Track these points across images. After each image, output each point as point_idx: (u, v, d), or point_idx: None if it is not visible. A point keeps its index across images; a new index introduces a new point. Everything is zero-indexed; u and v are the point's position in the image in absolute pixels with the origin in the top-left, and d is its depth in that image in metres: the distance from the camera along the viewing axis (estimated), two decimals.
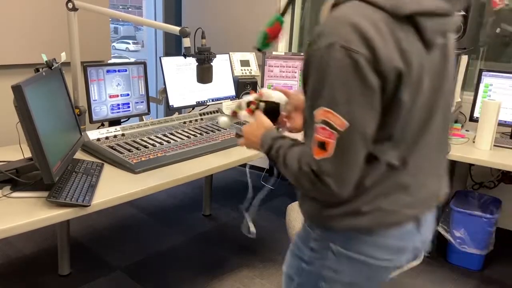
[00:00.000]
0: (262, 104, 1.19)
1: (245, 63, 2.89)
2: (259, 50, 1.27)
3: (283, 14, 1.28)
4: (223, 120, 1.28)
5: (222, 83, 2.73)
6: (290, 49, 3.68)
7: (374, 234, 1.00)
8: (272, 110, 1.15)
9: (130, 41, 14.06)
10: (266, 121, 1.17)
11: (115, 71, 2.17)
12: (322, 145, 0.89)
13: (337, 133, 0.87)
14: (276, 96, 1.18)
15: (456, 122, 2.69)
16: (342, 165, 0.90)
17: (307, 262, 1.07)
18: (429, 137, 0.99)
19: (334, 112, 0.86)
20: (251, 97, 1.23)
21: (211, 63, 1.88)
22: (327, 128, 0.88)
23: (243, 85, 2.84)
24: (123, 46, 13.72)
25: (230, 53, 2.84)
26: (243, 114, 1.23)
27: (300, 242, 1.10)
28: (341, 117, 0.86)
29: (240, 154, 2.03)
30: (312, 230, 1.06)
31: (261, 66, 2.73)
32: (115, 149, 1.85)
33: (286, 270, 1.15)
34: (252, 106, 1.19)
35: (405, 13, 0.87)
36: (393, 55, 0.86)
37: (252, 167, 3.90)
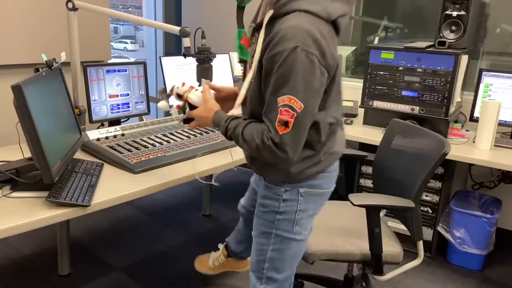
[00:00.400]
0: (186, 104, 1.43)
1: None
2: (242, 61, 1.46)
3: (242, 27, 1.56)
4: (162, 103, 1.48)
5: (222, 83, 2.72)
6: None
7: (327, 171, 1.38)
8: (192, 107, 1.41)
9: (128, 41, 14.05)
10: (212, 104, 1.39)
11: (115, 71, 2.17)
12: (286, 123, 1.17)
13: (295, 114, 1.16)
14: (197, 100, 1.41)
15: (456, 122, 2.69)
16: (298, 137, 1.20)
17: (281, 213, 1.38)
18: (340, 100, 1.38)
19: (295, 98, 1.15)
20: (181, 90, 1.44)
21: (211, 63, 1.88)
22: (290, 110, 1.16)
23: None
24: (121, 45, 13.71)
25: (230, 53, 2.84)
26: (174, 110, 1.46)
27: (270, 201, 1.40)
28: (300, 102, 1.15)
29: (240, 154, 2.02)
30: (281, 187, 1.37)
31: None
32: (115, 149, 1.85)
33: (260, 230, 1.43)
34: (180, 103, 1.44)
35: (334, 18, 1.21)
36: (334, 52, 1.20)
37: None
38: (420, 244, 1.73)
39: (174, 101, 1.50)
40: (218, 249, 2.26)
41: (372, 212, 1.60)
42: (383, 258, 1.69)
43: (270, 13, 1.23)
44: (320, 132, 1.29)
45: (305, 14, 1.16)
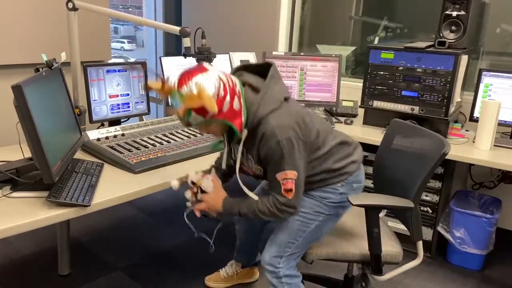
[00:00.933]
0: (199, 189, 1.67)
1: (245, 63, 2.89)
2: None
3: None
4: (174, 184, 1.66)
5: None
6: (290, 49, 3.68)
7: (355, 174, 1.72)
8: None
9: (125, 40, 14.06)
10: (221, 192, 1.69)
11: (115, 71, 2.17)
12: (290, 190, 1.52)
13: (293, 181, 1.51)
14: (208, 186, 1.66)
15: (456, 122, 2.69)
16: (299, 193, 1.56)
17: (337, 202, 1.70)
18: (327, 128, 1.71)
19: (289, 170, 1.50)
20: (195, 177, 1.66)
21: (211, 63, 1.88)
22: (289, 180, 1.51)
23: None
24: (118, 45, 13.73)
25: (230, 53, 2.84)
26: (188, 194, 1.69)
27: (327, 194, 1.70)
28: (293, 171, 1.50)
29: None
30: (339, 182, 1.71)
31: None
32: (115, 149, 1.85)
33: (307, 215, 1.69)
34: (194, 189, 1.67)
35: (285, 97, 1.55)
36: (312, 130, 1.59)
37: None
38: (420, 244, 1.73)
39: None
40: (218, 249, 2.26)
41: (371, 212, 1.60)
42: (383, 258, 1.69)
43: (245, 132, 1.51)
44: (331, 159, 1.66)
45: (285, 105, 1.53)
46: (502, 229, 2.79)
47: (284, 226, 1.70)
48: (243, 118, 1.47)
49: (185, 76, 1.41)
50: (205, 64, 1.48)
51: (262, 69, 1.59)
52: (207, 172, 1.73)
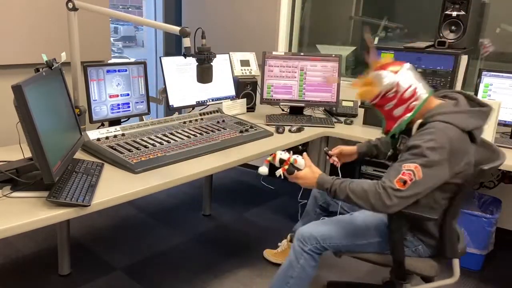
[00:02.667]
0: (291, 166, 1.67)
1: (245, 63, 2.89)
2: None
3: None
4: (263, 169, 1.69)
5: (222, 83, 2.73)
6: (290, 49, 3.68)
7: None
8: (293, 171, 1.66)
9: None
10: (316, 168, 1.68)
11: (115, 71, 2.17)
12: (404, 182, 1.46)
13: (413, 178, 1.46)
14: (301, 163, 1.67)
15: None
16: (408, 196, 1.48)
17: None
18: None
19: (419, 167, 1.46)
20: (285, 156, 1.67)
21: (211, 63, 1.88)
22: (410, 172, 1.46)
23: (243, 85, 2.84)
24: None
25: (230, 53, 2.84)
26: (279, 172, 1.67)
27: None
28: (421, 171, 1.45)
29: (240, 154, 2.03)
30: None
31: (261, 66, 2.73)
32: (115, 149, 1.85)
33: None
34: (285, 167, 1.66)
35: (469, 130, 1.55)
36: (464, 156, 1.55)
37: (252, 167, 3.90)
38: (456, 262, 1.69)
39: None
40: (218, 249, 2.26)
41: (393, 216, 1.58)
42: (412, 269, 1.66)
43: (419, 122, 1.56)
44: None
45: (446, 124, 1.50)
46: (502, 229, 2.79)
47: (343, 226, 1.75)
48: (395, 126, 1.61)
49: (385, 64, 1.62)
50: (403, 67, 1.61)
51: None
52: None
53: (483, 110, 1.59)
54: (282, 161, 1.67)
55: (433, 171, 1.47)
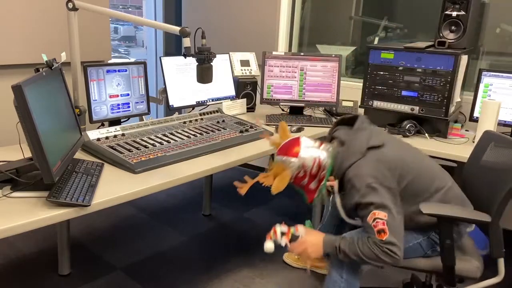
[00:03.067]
0: (293, 235, 1.72)
1: (245, 63, 2.89)
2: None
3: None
4: (269, 245, 1.70)
5: (222, 83, 2.73)
6: (290, 49, 3.68)
7: None
8: (297, 238, 1.71)
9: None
10: (317, 232, 1.73)
11: (115, 71, 2.17)
12: (382, 231, 1.53)
13: (384, 221, 1.53)
14: (302, 230, 1.72)
15: (456, 122, 2.69)
16: (397, 234, 1.53)
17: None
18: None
19: (377, 210, 1.54)
20: (284, 228, 1.72)
21: (211, 63, 1.88)
22: (379, 220, 1.53)
23: (243, 85, 2.84)
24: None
25: (230, 53, 2.84)
26: (284, 241, 1.70)
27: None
28: (382, 212, 1.54)
29: (240, 154, 2.03)
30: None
31: (261, 66, 2.73)
32: (115, 149, 1.85)
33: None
34: (289, 236, 1.72)
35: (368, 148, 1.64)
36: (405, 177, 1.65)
37: (252, 167, 3.90)
38: (501, 261, 1.66)
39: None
40: (218, 249, 2.26)
41: (443, 222, 1.58)
42: (459, 272, 1.65)
43: (336, 182, 1.71)
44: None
45: (351, 167, 1.62)
46: (502, 229, 2.79)
47: None
48: (316, 196, 1.72)
49: (284, 150, 1.70)
50: (301, 146, 1.70)
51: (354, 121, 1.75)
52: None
53: (359, 129, 1.71)
54: (283, 233, 1.72)
55: (388, 200, 1.56)
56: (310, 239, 1.68)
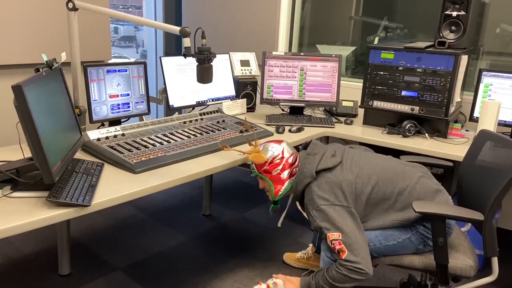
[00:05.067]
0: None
1: (245, 63, 2.89)
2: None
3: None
4: None
5: (222, 83, 2.73)
6: (290, 49, 3.68)
7: None
8: None
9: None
10: (292, 278, 1.88)
11: (115, 71, 2.17)
12: (340, 251, 1.63)
13: (339, 241, 1.64)
14: (281, 283, 1.89)
15: (456, 122, 2.69)
16: (356, 250, 1.62)
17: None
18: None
19: (331, 233, 1.67)
20: (263, 286, 1.93)
21: (211, 63, 1.88)
22: (334, 241, 1.65)
23: (243, 85, 2.84)
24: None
25: (230, 53, 2.84)
26: None
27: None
28: (335, 233, 1.66)
29: (240, 154, 2.03)
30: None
31: (261, 66, 2.74)
32: (115, 149, 1.85)
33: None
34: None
35: (318, 171, 1.78)
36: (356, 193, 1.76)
37: None
38: (495, 260, 1.67)
39: None
40: (218, 249, 2.27)
41: (435, 220, 1.58)
42: (453, 270, 1.66)
43: (290, 197, 2.04)
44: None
45: (306, 189, 1.78)
46: (502, 229, 2.80)
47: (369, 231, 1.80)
48: (283, 188, 1.86)
49: (266, 142, 1.93)
50: (283, 142, 1.91)
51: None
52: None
53: (310, 154, 1.83)
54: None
55: (340, 220, 1.66)
56: (290, 285, 1.84)
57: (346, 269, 1.63)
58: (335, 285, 1.66)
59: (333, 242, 1.66)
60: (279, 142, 1.91)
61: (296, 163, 1.87)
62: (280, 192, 1.87)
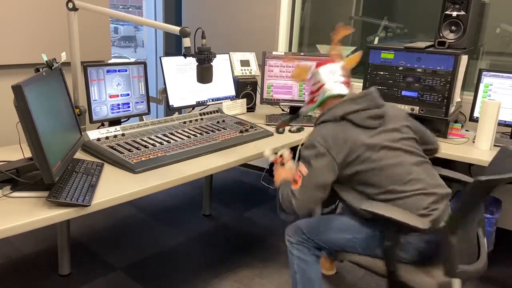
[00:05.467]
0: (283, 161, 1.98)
1: (245, 63, 2.89)
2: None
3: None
4: (267, 154, 2.01)
5: (222, 83, 2.73)
6: (290, 49, 3.68)
7: None
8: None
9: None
10: (290, 170, 1.88)
11: (115, 71, 2.17)
12: (295, 181, 1.69)
13: (301, 175, 1.67)
14: (289, 164, 1.95)
15: (456, 122, 2.69)
16: (303, 193, 1.67)
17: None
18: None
19: (302, 165, 1.69)
20: (285, 154, 1.98)
21: (211, 63, 1.88)
22: (298, 172, 1.69)
23: (243, 85, 2.84)
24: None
25: (230, 53, 2.84)
26: (272, 158, 2.00)
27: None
28: (305, 168, 1.68)
29: (240, 154, 2.03)
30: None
31: (261, 66, 2.73)
32: (115, 149, 1.85)
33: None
34: (280, 159, 1.98)
35: (341, 115, 1.72)
36: (346, 138, 1.71)
37: (252, 167, 3.90)
38: (455, 283, 1.50)
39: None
40: (218, 249, 2.27)
41: (382, 221, 1.55)
42: (409, 282, 1.58)
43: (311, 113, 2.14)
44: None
45: (321, 124, 1.76)
46: (502, 229, 2.80)
47: (330, 219, 1.85)
48: (308, 108, 1.89)
49: (321, 61, 1.91)
50: (327, 65, 1.87)
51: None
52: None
53: (358, 96, 1.77)
54: (281, 155, 1.98)
55: (315, 164, 1.65)
56: (285, 170, 1.89)
57: (287, 195, 1.70)
58: (280, 196, 1.76)
59: (298, 171, 1.69)
60: (318, 65, 1.87)
61: (320, 92, 1.83)
62: (303, 111, 1.95)
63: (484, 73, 2.52)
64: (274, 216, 3.13)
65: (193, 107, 2.60)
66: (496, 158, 1.82)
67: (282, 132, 2.42)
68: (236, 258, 2.56)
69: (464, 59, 2.44)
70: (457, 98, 2.51)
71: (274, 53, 2.74)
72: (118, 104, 2.20)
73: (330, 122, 1.71)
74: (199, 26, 2.13)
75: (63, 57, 1.77)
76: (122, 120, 2.24)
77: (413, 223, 1.50)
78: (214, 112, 2.53)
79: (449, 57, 2.35)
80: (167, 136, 2.08)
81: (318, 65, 1.85)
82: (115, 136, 2.00)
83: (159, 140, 2.01)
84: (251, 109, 2.88)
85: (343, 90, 1.81)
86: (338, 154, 1.65)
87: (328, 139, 1.65)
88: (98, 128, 2.05)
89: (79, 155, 1.85)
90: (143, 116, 2.32)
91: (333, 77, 1.82)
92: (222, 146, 2.06)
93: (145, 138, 2.02)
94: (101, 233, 2.79)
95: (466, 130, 2.63)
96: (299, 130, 2.46)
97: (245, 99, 2.82)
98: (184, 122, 2.30)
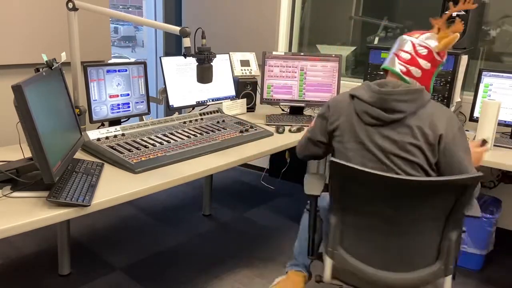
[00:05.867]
0: None
1: (245, 63, 2.89)
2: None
3: None
4: None
5: (222, 83, 2.73)
6: (290, 49, 3.68)
7: None
8: None
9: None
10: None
11: (115, 71, 2.17)
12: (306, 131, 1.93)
13: (307, 129, 1.92)
14: None
15: None
16: (303, 143, 1.94)
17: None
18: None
19: (314, 121, 1.88)
20: None
21: (211, 63, 1.88)
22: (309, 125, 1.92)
23: (243, 85, 2.84)
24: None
25: (230, 53, 2.84)
26: None
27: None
28: (312, 124, 1.88)
29: (240, 154, 2.03)
30: None
31: (261, 66, 2.73)
32: (115, 149, 1.85)
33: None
34: None
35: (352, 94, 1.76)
36: (338, 108, 1.82)
37: (252, 167, 3.90)
38: (447, 282, 1.47)
39: None
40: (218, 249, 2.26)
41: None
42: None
43: None
44: None
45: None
46: (502, 229, 2.80)
47: None
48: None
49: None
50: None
51: None
52: None
53: (378, 84, 1.72)
54: None
55: (315, 122, 1.86)
56: None
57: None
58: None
59: (312, 123, 1.89)
60: (424, 33, 1.83)
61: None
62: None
63: (484, 73, 2.52)
64: (274, 216, 3.13)
65: (193, 107, 2.60)
66: None
67: (282, 132, 2.42)
68: (236, 258, 2.56)
69: (464, 59, 2.44)
70: (457, 98, 2.51)
71: (274, 53, 2.74)
72: (118, 104, 2.20)
73: (347, 93, 1.79)
74: (199, 26, 2.13)
75: (63, 57, 1.77)
76: (122, 120, 2.24)
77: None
78: (214, 112, 2.53)
79: (449, 57, 2.35)
80: (167, 136, 2.08)
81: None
82: (115, 136, 2.00)
83: (159, 140, 2.01)
84: (251, 109, 2.88)
85: (394, 66, 1.77)
86: (331, 124, 1.77)
87: (331, 107, 1.78)
88: (98, 128, 2.05)
89: (79, 155, 1.85)
90: (143, 116, 2.32)
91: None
92: (222, 146, 2.06)
93: (145, 138, 2.02)
94: (101, 233, 2.79)
95: (466, 130, 2.62)
96: (299, 130, 2.46)
97: (245, 99, 2.82)
98: (184, 122, 2.30)
